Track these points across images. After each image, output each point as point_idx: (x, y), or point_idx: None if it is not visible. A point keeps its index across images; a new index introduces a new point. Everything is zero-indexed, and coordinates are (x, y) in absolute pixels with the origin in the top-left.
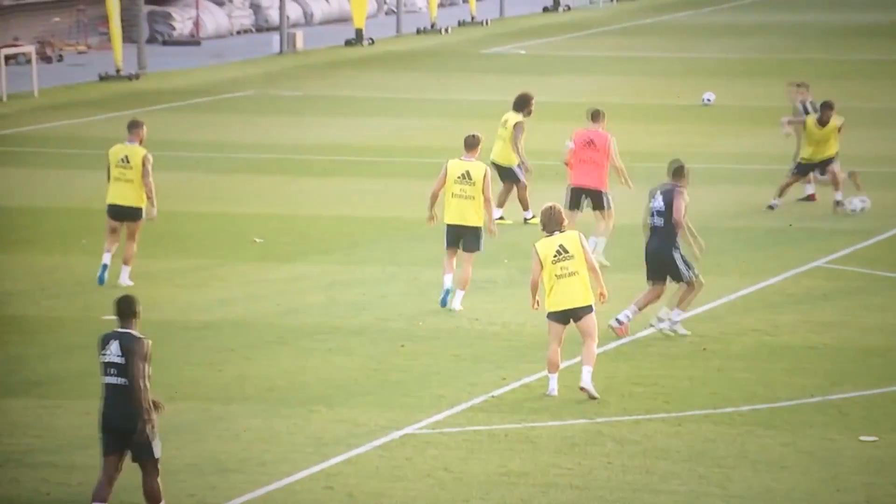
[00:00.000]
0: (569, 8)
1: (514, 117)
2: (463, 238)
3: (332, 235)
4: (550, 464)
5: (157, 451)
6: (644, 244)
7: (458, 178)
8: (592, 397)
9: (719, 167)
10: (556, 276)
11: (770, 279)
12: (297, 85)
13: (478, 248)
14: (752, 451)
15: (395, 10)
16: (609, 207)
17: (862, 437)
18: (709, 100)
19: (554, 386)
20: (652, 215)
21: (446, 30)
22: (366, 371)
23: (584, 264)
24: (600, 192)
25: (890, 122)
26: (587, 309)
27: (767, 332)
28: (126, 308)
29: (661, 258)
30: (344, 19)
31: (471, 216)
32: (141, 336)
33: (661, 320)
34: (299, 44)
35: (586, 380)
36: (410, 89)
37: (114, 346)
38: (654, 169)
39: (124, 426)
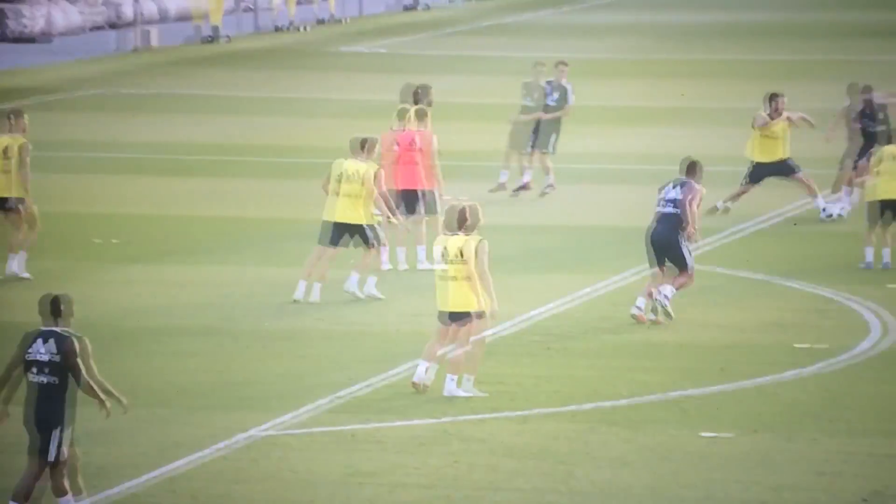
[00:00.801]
0: (428, 7)
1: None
2: (352, 237)
3: (178, 236)
4: (397, 463)
5: (53, 455)
6: (649, 231)
7: (347, 177)
8: (476, 397)
9: (572, 167)
10: (440, 276)
11: (614, 277)
12: (150, 82)
13: (370, 243)
14: (595, 448)
15: (252, 7)
16: (430, 212)
17: (702, 434)
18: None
19: (421, 372)
20: (663, 204)
21: (304, 28)
22: (210, 373)
23: (472, 271)
24: (427, 192)
25: (736, 121)
26: (466, 315)
27: (611, 330)
28: (56, 307)
29: (667, 244)
30: (200, 16)
31: (358, 215)
32: (73, 334)
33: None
34: (154, 41)
35: (449, 388)
36: (267, 87)
37: (43, 345)
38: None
39: (45, 426)
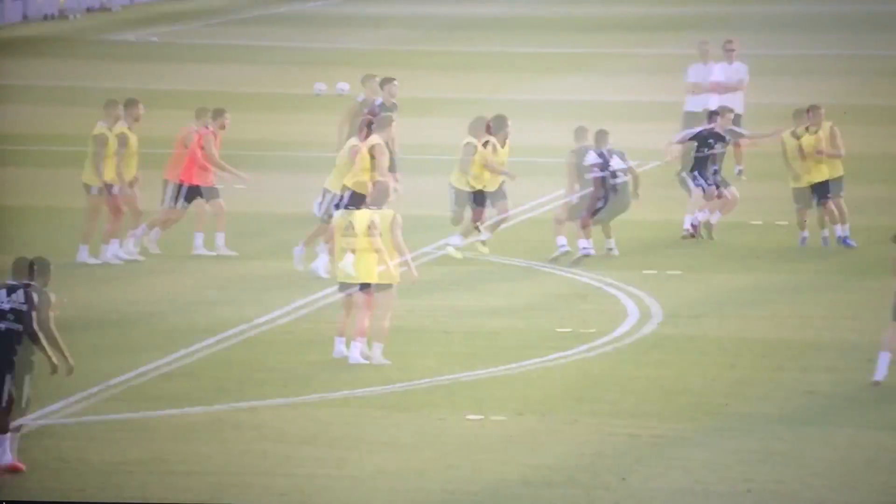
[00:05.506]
0: None
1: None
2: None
3: None
4: (168, 451)
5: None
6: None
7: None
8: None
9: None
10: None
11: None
12: None
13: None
14: (367, 433)
15: None
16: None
17: (469, 416)
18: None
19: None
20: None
21: (75, 16)
22: None
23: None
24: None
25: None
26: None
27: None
28: (31, 267)
29: None
30: None
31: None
32: (36, 287)
33: None
34: None
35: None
36: (39, 76)
37: (7, 296)
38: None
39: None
